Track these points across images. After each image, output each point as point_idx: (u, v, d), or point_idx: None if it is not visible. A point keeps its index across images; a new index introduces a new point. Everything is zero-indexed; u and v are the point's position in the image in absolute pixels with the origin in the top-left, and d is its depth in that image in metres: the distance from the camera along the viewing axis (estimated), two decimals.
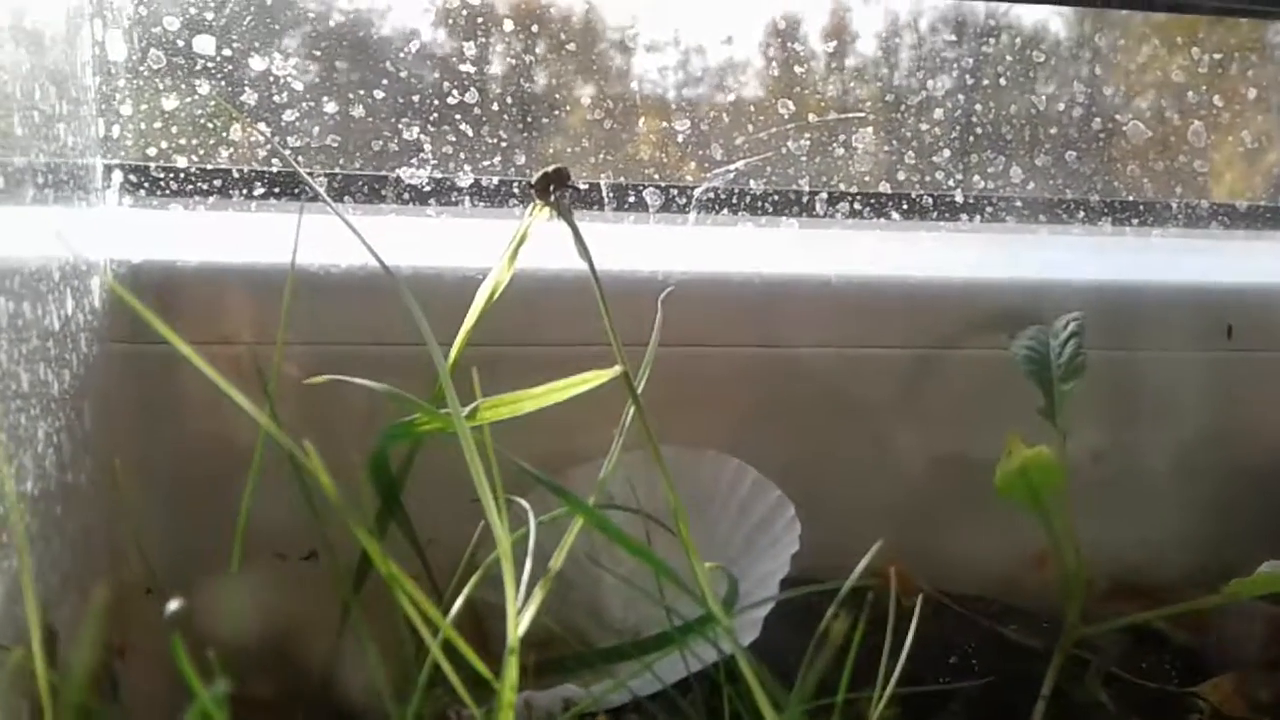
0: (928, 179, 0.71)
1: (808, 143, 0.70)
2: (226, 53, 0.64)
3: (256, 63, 0.65)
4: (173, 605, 0.34)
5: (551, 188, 0.52)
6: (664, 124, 0.69)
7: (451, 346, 0.57)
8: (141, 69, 0.63)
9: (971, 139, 0.72)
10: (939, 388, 0.72)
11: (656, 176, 0.69)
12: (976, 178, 0.72)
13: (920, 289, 0.71)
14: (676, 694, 0.49)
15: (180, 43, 0.64)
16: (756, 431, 0.70)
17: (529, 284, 0.61)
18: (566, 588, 0.64)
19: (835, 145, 0.70)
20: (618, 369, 0.48)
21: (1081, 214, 0.74)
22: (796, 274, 0.70)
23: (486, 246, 0.59)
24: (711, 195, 0.70)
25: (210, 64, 0.64)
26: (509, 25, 0.68)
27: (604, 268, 0.67)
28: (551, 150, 0.68)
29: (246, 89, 0.65)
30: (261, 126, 0.65)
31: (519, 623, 0.39)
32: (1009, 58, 0.72)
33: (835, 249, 0.72)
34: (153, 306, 0.63)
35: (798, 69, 0.71)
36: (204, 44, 0.64)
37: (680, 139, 0.69)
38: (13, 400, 0.45)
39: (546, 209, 0.53)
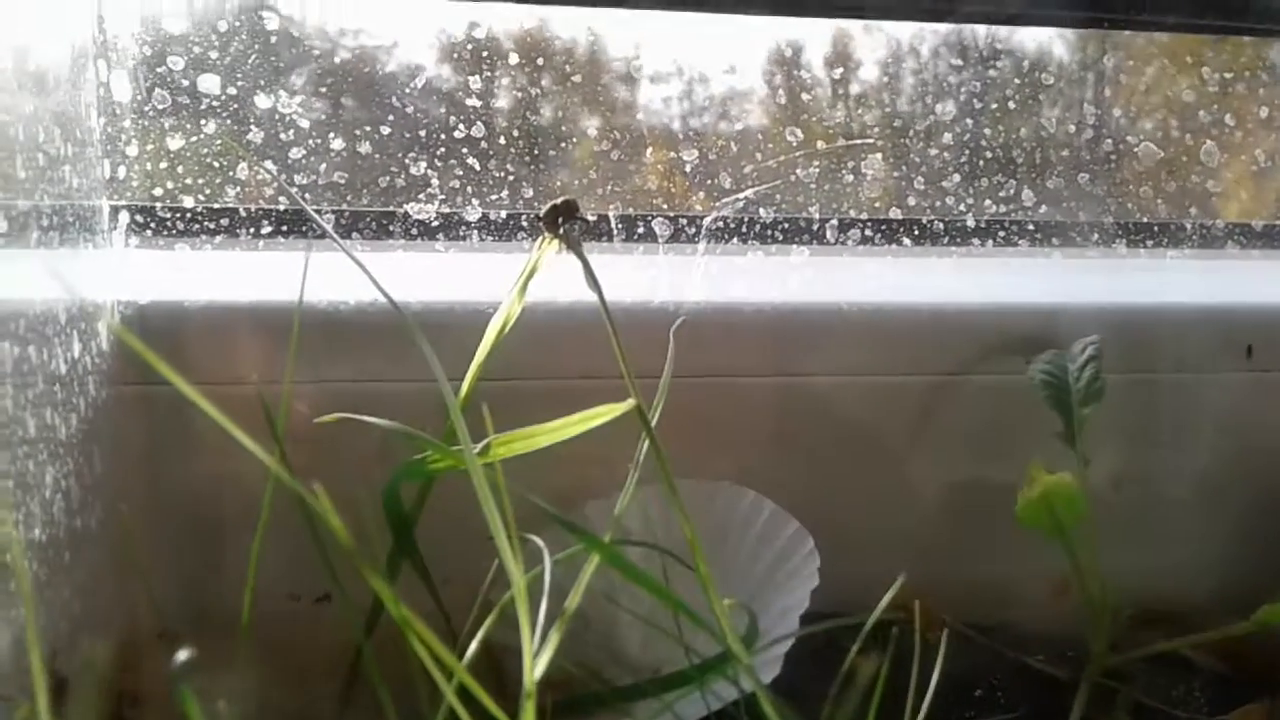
0: (938, 204, 0.71)
1: (817, 170, 0.69)
2: (232, 91, 0.64)
3: (262, 101, 0.65)
4: (181, 656, 0.33)
5: (560, 220, 0.51)
6: (671, 154, 0.68)
7: (463, 382, 0.56)
8: (147, 109, 0.63)
9: (981, 163, 0.71)
10: (955, 415, 0.71)
11: (665, 207, 0.68)
12: (988, 202, 0.71)
13: (934, 315, 0.71)
14: None
15: (185, 82, 0.64)
16: (772, 462, 0.69)
17: (541, 317, 0.61)
18: (583, 626, 0.63)
19: (844, 172, 0.70)
20: (631, 402, 0.47)
21: (1096, 236, 0.73)
22: (808, 302, 0.69)
23: (496, 280, 0.59)
24: (721, 224, 0.69)
25: (215, 103, 0.64)
26: (514, 59, 0.67)
27: (614, 299, 0.67)
28: (559, 183, 0.68)
29: (253, 127, 0.65)
30: (268, 164, 0.65)
31: (535, 665, 0.38)
32: (1016, 81, 0.72)
33: (847, 276, 0.71)
34: (160, 348, 0.63)
35: (803, 96, 0.71)
36: (209, 83, 0.64)
37: (688, 169, 0.69)
38: (19, 446, 0.44)
39: (556, 241, 0.53)
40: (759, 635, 0.51)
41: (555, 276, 0.56)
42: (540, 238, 0.53)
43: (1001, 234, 0.72)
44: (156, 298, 0.63)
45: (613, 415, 0.48)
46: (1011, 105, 0.71)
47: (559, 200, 0.52)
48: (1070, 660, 0.63)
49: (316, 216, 0.58)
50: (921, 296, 0.71)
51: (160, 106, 0.64)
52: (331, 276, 0.61)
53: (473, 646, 0.41)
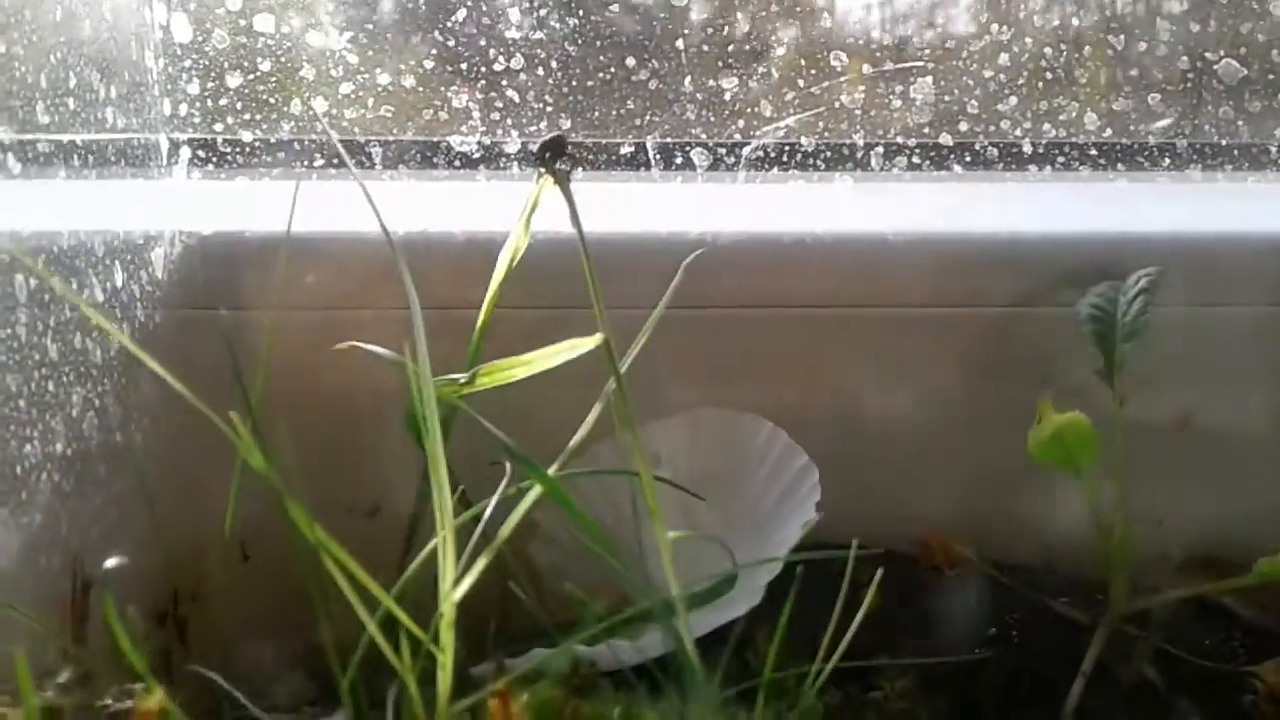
0: (992, 128, 0.68)
1: (861, 95, 0.68)
2: (285, 30, 0.67)
3: (314, 38, 0.68)
4: (109, 564, 0.36)
5: (549, 155, 0.52)
6: (711, 81, 0.68)
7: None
8: (206, 49, 0.67)
9: (1041, 85, 0.68)
10: (1009, 349, 0.69)
11: (704, 136, 0.68)
12: (1046, 125, 0.68)
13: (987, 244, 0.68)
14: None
15: (242, 22, 0.67)
16: (810, 394, 0.69)
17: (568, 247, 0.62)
18: (615, 547, 0.64)
19: (891, 96, 0.68)
20: (599, 337, 0.48)
21: (1167, 161, 0.69)
22: (852, 231, 0.68)
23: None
24: (761, 153, 0.68)
25: (271, 41, 0.67)
26: None
27: (649, 230, 0.68)
28: (597, 113, 0.68)
29: (305, 64, 0.68)
30: (316, 101, 0.68)
31: (453, 592, 0.40)
32: None
33: (893, 204, 0.70)
34: (219, 277, 0.68)
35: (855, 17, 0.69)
36: (264, 22, 0.67)
37: (728, 96, 0.68)
38: (36, 369, 0.48)
39: (553, 177, 0.54)
40: (735, 574, 0.52)
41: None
42: (538, 173, 0.54)
43: (1060, 160, 0.68)
44: (218, 228, 0.67)
45: (582, 350, 0.50)
46: (1076, 20, 0.68)
47: (548, 136, 0.53)
48: (1098, 604, 0.61)
49: (342, 150, 0.61)
50: (974, 225, 0.69)
51: (219, 46, 0.67)
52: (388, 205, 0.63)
53: (410, 571, 0.43)
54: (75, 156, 0.54)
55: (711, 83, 0.68)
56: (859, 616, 0.49)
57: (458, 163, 0.69)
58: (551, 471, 0.47)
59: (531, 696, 0.40)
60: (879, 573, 0.51)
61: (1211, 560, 0.64)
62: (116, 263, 0.57)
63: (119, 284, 0.57)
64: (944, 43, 0.68)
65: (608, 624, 0.45)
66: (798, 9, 0.68)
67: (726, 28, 0.68)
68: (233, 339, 0.65)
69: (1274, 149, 0.69)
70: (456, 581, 0.40)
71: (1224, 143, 0.69)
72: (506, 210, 0.66)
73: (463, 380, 0.52)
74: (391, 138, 0.69)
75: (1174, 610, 0.60)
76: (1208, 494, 0.68)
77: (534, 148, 0.65)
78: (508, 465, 0.50)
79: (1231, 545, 0.67)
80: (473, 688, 0.44)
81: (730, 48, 0.68)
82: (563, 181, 0.53)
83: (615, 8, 0.68)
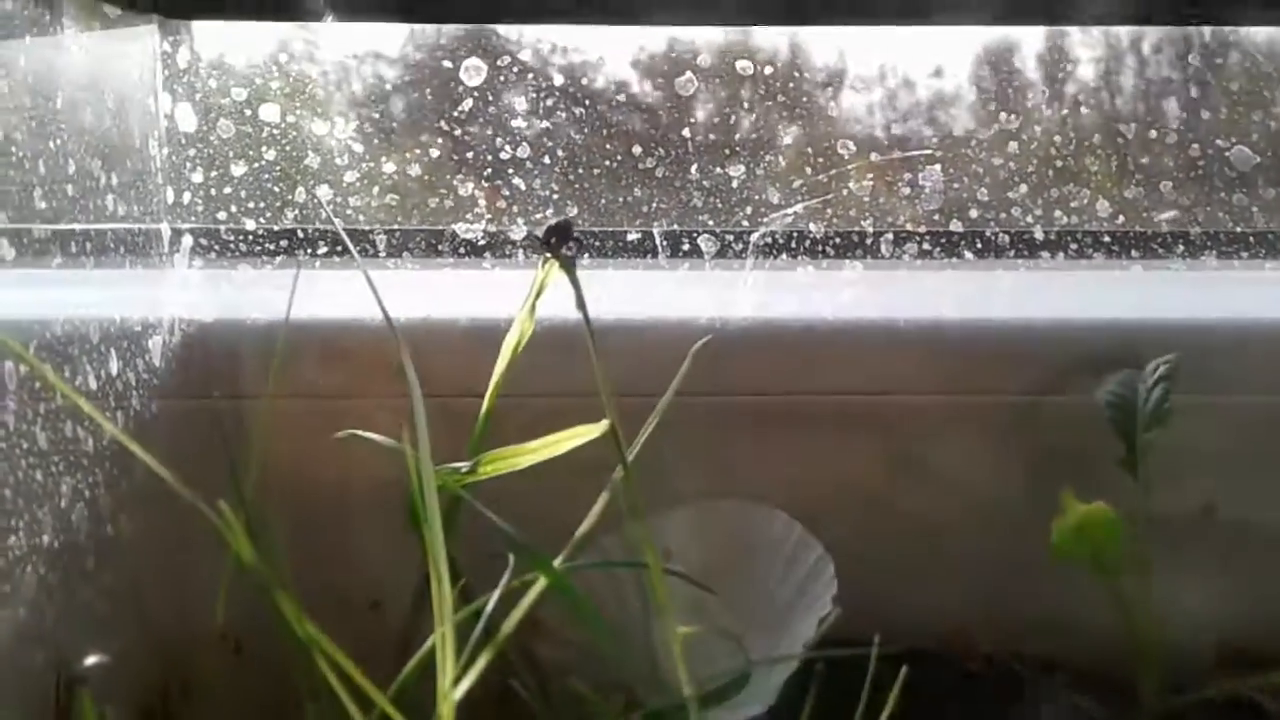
0: (1002, 216, 0.67)
1: (870, 183, 0.67)
2: (290, 119, 0.67)
3: (319, 127, 0.67)
4: (89, 661, 0.34)
5: (554, 241, 0.51)
6: (718, 169, 0.68)
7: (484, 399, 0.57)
8: (211, 138, 0.67)
9: (1051, 173, 0.67)
10: (1021, 439, 0.67)
11: (711, 223, 0.68)
12: (1058, 213, 0.67)
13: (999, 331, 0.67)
14: None
15: (247, 112, 0.67)
16: (820, 484, 0.67)
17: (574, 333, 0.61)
18: (623, 644, 0.62)
19: (900, 185, 0.67)
20: (605, 424, 0.47)
21: (1181, 248, 0.68)
22: (862, 318, 0.67)
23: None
24: (770, 240, 0.68)
25: (275, 131, 0.67)
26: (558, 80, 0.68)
27: (658, 316, 0.67)
28: (604, 201, 0.68)
29: (310, 153, 0.67)
30: (320, 190, 0.67)
31: (452, 691, 0.38)
32: (1093, 84, 0.68)
33: (903, 291, 0.69)
34: (223, 364, 0.67)
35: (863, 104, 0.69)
36: (269, 112, 0.67)
37: (735, 184, 0.68)
38: (23, 459, 0.47)
39: (558, 261, 0.53)
40: (749, 670, 0.50)
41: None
42: (543, 258, 0.54)
43: (1074, 247, 0.68)
44: (220, 315, 0.66)
45: (588, 437, 0.48)
46: (1084, 111, 0.67)
47: (554, 220, 0.52)
48: (1124, 702, 0.58)
49: (346, 239, 0.60)
50: (986, 312, 0.68)
51: (224, 135, 0.67)
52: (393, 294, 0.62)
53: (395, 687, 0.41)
54: (73, 244, 0.53)
55: (719, 170, 0.67)
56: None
57: (463, 250, 0.68)
58: (557, 564, 0.46)
59: None
60: (903, 671, 0.49)
61: (1241, 653, 0.62)
62: (112, 350, 0.56)
63: (114, 372, 0.56)
64: (951, 131, 0.67)
65: None
66: (804, 100, 0.68)
67: (734, 117, 0.68)
68: (230, 428, 0.65)
69: None
70: (456, 680, 0.38)
71: (1238, 229, 0.68)
72: (511, 297, 0.66)
73: (464, 469, 0.50)
74: (396, 226, 0.68)
75: (1204, 708, 0.57)
76: (1233, 585, 0.66)
77: (539, 233, 0.64)
78: (510, 557, 0.48)
79: (1259, 637, 0.65)
80: None
81: (737, 136, 0.68)
82: (568, 266, 0.52)
83: (621, 98, 0.68)
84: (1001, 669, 0.61)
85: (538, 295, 0.56)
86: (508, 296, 0.66)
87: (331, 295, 0.67)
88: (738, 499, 0.64)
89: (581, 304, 0.50)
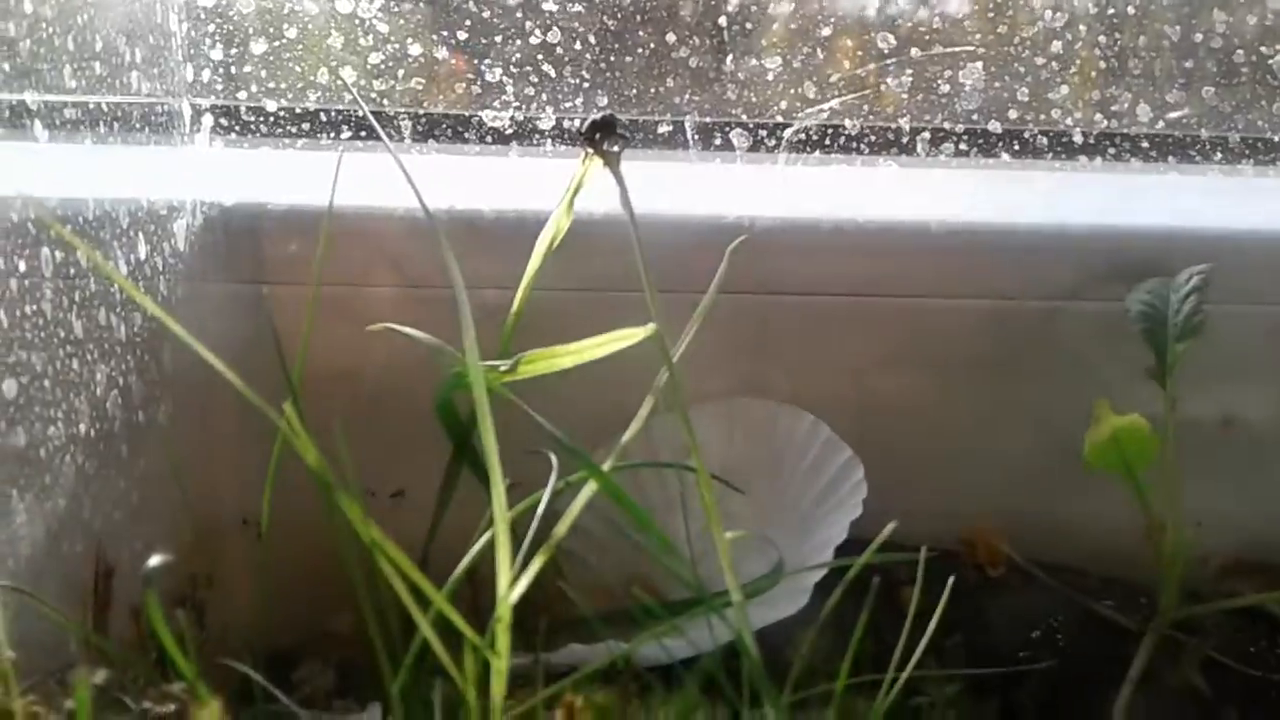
0: (1042, 117, 0.66)
1: (909, 79, 0.66)
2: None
3: (343, 5, 0.65)
4: (153, 561, 0.34)
5: (598, 135, 0.50)
6: (755, 61, 0.66)
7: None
8: (231, 14, 0.64)
9: (1094, 74, 0.66)
10: (1052, 343, 0.67)
11: (744, 115, 0.66)
12: (1098, 115, 0.66)
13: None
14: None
15: None
16: (848, 386, 0.67)
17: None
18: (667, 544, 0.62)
19: (940, 81, 0.66)
20: (652, 327, 0.46)
21: (1219, 155, 0.67)
22: (894, 218, 0.66)
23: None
24: (804, 136, 0.66)
25: (298, 7, 0.65)
26: None
27: (686, 213, 0.66)
28: (635, 90, 0.66)
29: (333, 32, 0.65)
30: (344, 71, 0.65)
31: (511, 592, 0.38)
32: None
33: (937, 191, 0.68)
34: (242, 247, 0.65)
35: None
36: None
37: (770, 76, 0.66)
38: (61, 347, 0.46)
39: (602, 158, 0.52)
40: (781, 569, 0.50)
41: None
42: (584, 153, 0.52)
43: (1111, 150, 0.66)
44: (240, 199, 0.65)
45: (633, 340, 0.48)
46: (1131, 10, 0.66)
47: (598, 115, 0.50)
48: (1144, 608, 0.59)
49: (375, 122, 0.58)
50: (1020, 216, 0.67)
51: (245, 11, 0.64)
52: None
53: (456, 574, 0.41)
54: (101, 123, 0.51)
55: (754, 62, 0.66)
56: (908, 621, 0.48)
57: (489, 138, 0.66)
58: (606, 467, 0.45)
59: (587, 701, 0.39)
60: (919, 574, 0.49)
61: (1257, 565, 0.63)
62: (140, 234, 0.55)
63: (143, 256, 0.55)
64: (996, 28, 0.66)
65: (666, 619, 0.43)
66: None
67: (771, 5, 0.66)
68: (256, 316, 0.64)
69: None
70: (513, 582, 0.38)
71: (1277, 138, 0.67)
72: (540, 188, 0.65)
73: (504, 368, 0.50)
74: (422, 111, 0.66)
75: (1220, 617, 0.59)
76: (1252, 496, 0.67)
77: (576, 126, 0.63)
78: (552, 457, 0.48)
79: (1268, 548, 0.66)
80: (518, 688, 0.42)
81: (775, 26, 0.66)
82: (613, 163, 0.50)
83: None
84: (1021, 573, 0.61)
85: (576, 190, 0.55)
86: (535, 188, 0.66)
87: (354, 182, 0.65)
88: (761, 398, 0.64)
89: (627, 203, 0.49)
